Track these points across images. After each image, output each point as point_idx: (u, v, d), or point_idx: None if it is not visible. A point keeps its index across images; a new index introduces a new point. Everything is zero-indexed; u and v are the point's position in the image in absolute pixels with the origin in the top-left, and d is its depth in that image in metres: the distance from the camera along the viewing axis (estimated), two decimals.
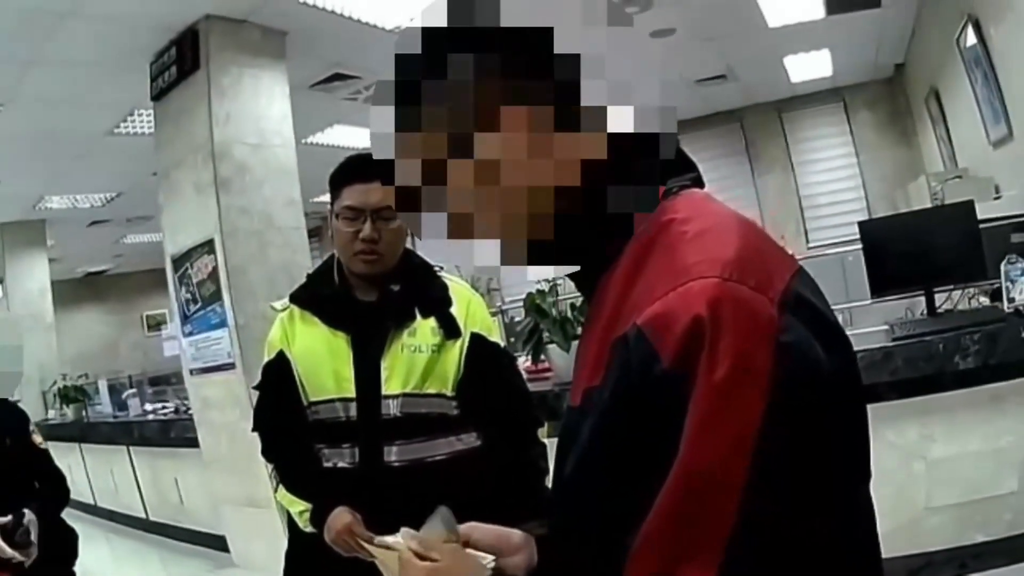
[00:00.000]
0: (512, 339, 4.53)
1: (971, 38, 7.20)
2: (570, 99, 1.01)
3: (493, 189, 1.03)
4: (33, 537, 3.16)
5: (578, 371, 1.10)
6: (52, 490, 3.49)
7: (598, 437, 0.97)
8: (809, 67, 11.06)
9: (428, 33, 1.04)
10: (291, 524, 2.68)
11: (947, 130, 9.72)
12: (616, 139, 1.02)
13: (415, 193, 1.06)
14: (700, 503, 0.84)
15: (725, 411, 0.84)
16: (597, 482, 0.97)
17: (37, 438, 3.53)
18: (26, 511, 3.19)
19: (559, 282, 4.35)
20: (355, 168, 2.56)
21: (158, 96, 6.87)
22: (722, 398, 0.84)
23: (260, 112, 6.62)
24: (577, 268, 1.13)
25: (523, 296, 4.57)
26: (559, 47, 1.00)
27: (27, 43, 6.21)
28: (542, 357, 4.50)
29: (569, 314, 4.31)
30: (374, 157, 1.09)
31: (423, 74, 1.04)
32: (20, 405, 3.62)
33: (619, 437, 0.93)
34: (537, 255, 1.07)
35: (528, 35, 1.01)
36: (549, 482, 2.57)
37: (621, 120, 1.02)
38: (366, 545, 2.07)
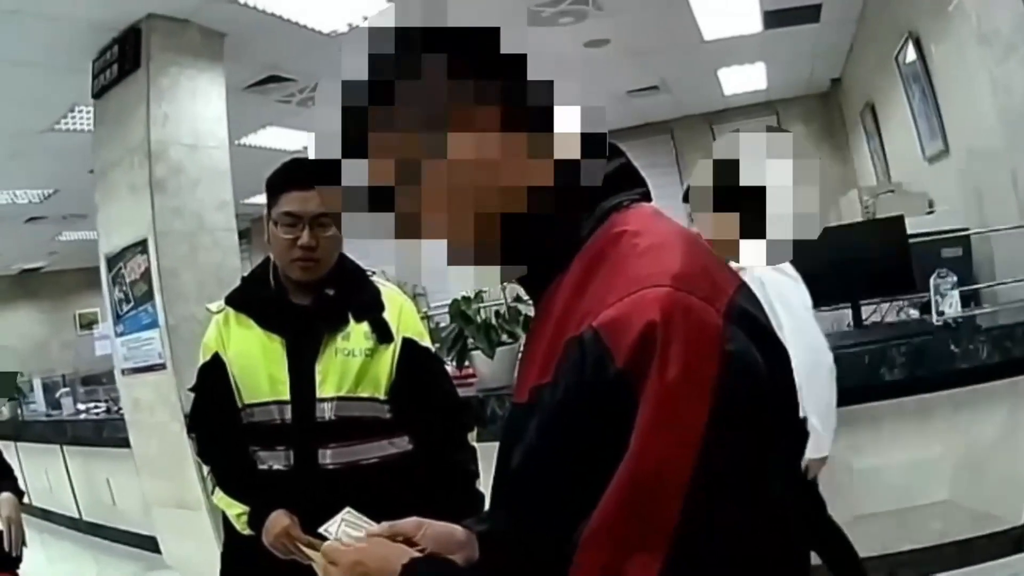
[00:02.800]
0: (437, 345, 4.58)
1: (911, 55, 7.26)
2: (519, 99, 1.05)
3: (441, 189, 1.05)
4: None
5: (525, 370, 1.14)
6: (11, 484, 3.48)
7: (548, 432, 1.00)
8: (743, 80, 11.07)
9: (375, 34, 1.07)
10: (227, 525, 2.69)
11: (881, 145, 9.77)
12: (564, 139, 1.07)
13: (361, 193, 1.08)
14: (648, 498, 0.88)
15: (674, 412, 0.88)
16: (545, 475, 1.00)
17: None
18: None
19: (484, 289, 4.39)
20: (294, 174, 2.57)
21: (99, 94, 6.79)
22: (671, 400, 0.88)
23: (196, 113, 6.57)
24: (524, 269, 1.16)
25: (448, 302, 4.61)
26: (505, 48, 1.04)
27: None
28: (467, 363, 4.53)
29: (493, 321, 4.35)
30: (318, 156, 1.12)
31: (372, 75, 1.06)
32: None
33: (569, 432, 0.96)
34: (484, 256, 1.10)
35: (475, 35, 1.04)
36: (479, 485, 2.63)
37: (569, 120, 1.07)
38: (303, 548, 2.12)
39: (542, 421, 1.01)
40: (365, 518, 1.42)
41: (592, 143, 1.09)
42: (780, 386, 0.98)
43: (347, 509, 1.38)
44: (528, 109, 1.05)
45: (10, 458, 3.59)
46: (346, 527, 1.37)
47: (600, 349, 0.93)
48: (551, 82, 1.05)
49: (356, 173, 1.08)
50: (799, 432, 1.04)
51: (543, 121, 1.06)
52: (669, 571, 0.87)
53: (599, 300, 0.97)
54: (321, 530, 1.45)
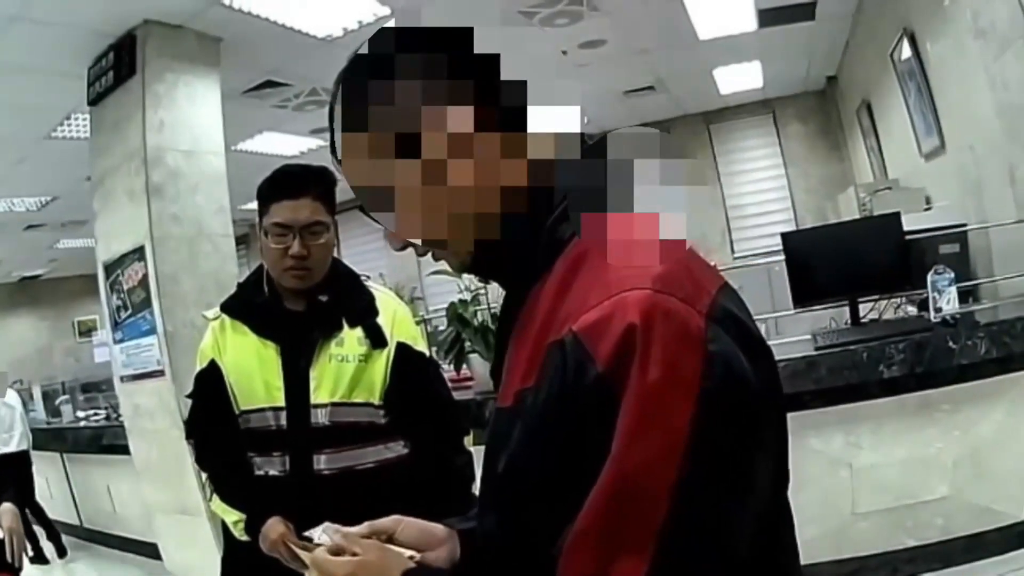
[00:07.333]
0: (435, 348, 4.57)
1: (906, 51, 7.24)
2: (517, 99, 1.05)
3: (439, 188, 1.06)
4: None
5: (508, 375, 1.13)
6: (11, 495, 3.47)
7: (531, 436, 1.00)
8: (739, 79, 11.05)
9: (375, 35, 1.09)
10: (226, 532, 2.69)
11: (878, 142, 9.74)
12: (562, 140, 1.08)
13: (362, 193, 1.11)
14: (633, 500, 0.88)
15: (656, 414, 0.88)
16: (531, 480, 1.00)
17: None
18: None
19: (481, 291, 4.39)
20: (282, 184, 2.56)
21: (95, 101, 6.80)
22: (653, 402, 0.88)
23: (193, 119, 6.58)
24: (511, 269, 1.17)
25: (446, 305, 4.60)
26: (502, 49, 1.05)
27: None
28: (464, 366, 4.53)
29: (491, 324, 4.33)
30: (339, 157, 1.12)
31: (369, 74, 1.08)
32: None
33: (553, 437, 0.96)
34: (481, 254, 1.13)
35: (471, 36, 1.05)
36: (476, 489, 2.62)
37: (561, 121, 1.07)
38: (301, 554, 2.11)
39: (526, 426, 1.01)
40: (345, 529, 1.40)
41: (587, 143, 1.10)
42: (766, 388, 0.98)
43: (326, 524, 1.36)
44: (518, 110, 1.05)
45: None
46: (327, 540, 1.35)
47: (581, 353, 0.93)
48: (545, 83, 1.05)
49: (357, 173, 1.11)
50: (785, 432, 1.04)
51: (527, 121, 1.06)
52: (656, 573, 0.87)
53: (580, 303, 0.97)
54: (306, 534, 1.44)
